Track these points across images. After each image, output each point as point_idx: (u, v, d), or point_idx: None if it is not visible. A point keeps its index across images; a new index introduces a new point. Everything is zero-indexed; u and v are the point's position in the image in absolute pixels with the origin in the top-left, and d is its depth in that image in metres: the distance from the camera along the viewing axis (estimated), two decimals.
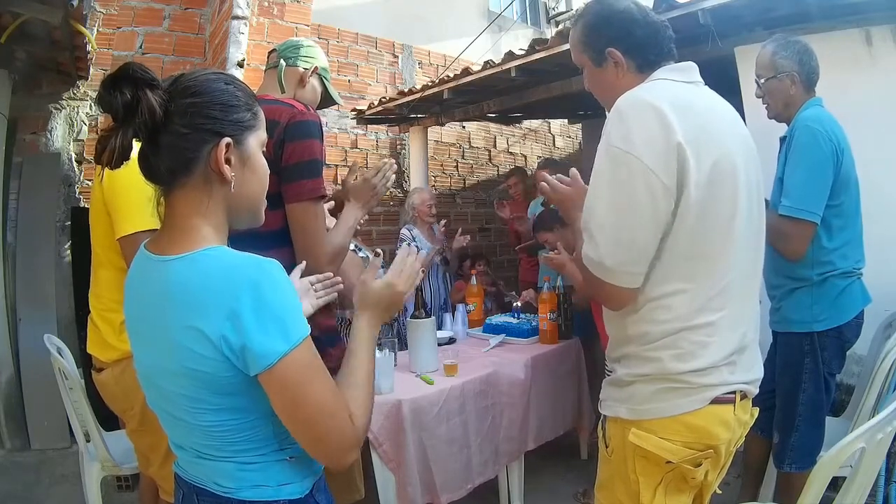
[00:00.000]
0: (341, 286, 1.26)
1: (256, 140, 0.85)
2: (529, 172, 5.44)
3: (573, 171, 1.30)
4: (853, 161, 1.72)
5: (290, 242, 1.42)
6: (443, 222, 3.52)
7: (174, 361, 0.75)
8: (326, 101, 1.76)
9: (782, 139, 1.80)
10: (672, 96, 1.06)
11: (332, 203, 1.79)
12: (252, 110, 0.85)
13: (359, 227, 1.65)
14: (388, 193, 4.91)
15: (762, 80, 1.80)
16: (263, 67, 1.75)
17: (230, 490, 0.80)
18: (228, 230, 0.85)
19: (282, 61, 1.62)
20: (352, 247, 0.99)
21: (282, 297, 0.75)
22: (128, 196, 1.50)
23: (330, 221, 1.59)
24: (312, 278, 1.20)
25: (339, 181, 4.56)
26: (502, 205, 4.21)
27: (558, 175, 1.32)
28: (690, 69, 1.16)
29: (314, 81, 1.67)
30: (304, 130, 1.41)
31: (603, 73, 1.20)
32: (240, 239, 0.86)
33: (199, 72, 0.82)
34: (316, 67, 1.65)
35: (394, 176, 1.65)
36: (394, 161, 1.66)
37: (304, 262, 1.25)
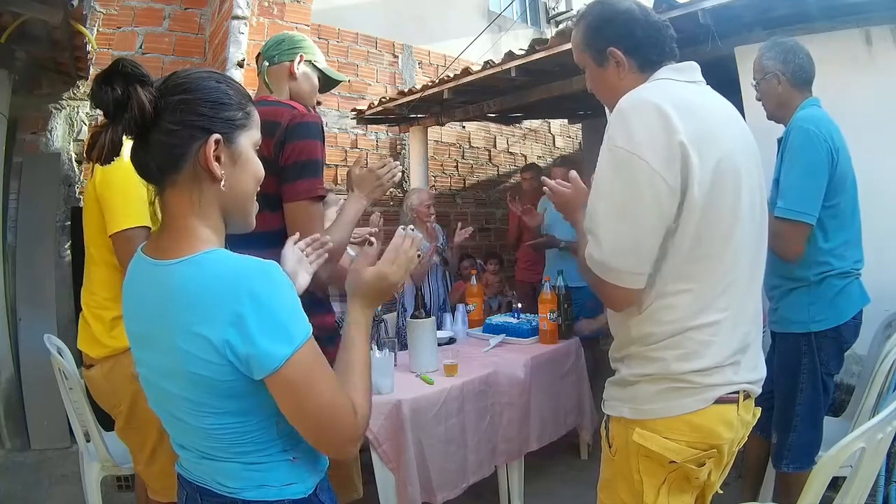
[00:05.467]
0: (331, 245, 1.26)
1: (249, 140, 0.84)
2: None
3: (573, 173, 1.31)
4: (850, 161, 1.72)
5: None
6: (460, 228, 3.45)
7: (177, 365, 0.75)
8: (328, 83, 1.70)
9: (780, 140, 1.80)
10: (674, 96, 1.06)
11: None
12: (244, 110, 0.84)
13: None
14: (388, 193, 4.93)
15: (754, 83, 1.84)
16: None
17: (234, 490, 0.80)
18: (225, 231, 0.85)
19: (265, 63, 1.58)
20: (402, 231, 0.99)
21: (283, 299, 0.75)
22: (121, 193, 1.50)
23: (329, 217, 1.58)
24: (302, 244, 1.21)
25: (340, 181, 4.57)
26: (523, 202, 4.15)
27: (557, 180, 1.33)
28: (692, 69, 1.16)
29: (305, 69, 1.60)
30: (304, 131, 1.40)
31: (605, 73, 1.20)
32: (238, 239, 0.86)
33: (192, 70, 0.82)
34: (302, 56, 1.58)
35: (400, 174, 1.63)
36: (399, 164, 1.63)
37: (298, 234, 1.25)
